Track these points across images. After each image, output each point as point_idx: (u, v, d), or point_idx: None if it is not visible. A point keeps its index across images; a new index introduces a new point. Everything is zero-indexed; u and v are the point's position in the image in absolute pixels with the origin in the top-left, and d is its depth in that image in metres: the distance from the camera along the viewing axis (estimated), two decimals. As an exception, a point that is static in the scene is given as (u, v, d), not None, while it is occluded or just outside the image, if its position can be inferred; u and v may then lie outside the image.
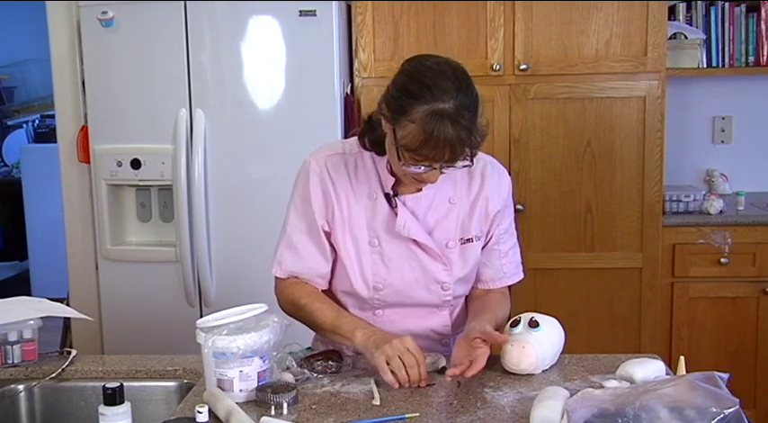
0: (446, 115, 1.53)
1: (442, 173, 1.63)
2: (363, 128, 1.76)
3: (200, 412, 1.40)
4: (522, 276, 1.93)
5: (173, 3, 3.01)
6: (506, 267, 1.89)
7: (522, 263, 1.94)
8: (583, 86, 3.15)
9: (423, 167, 1.60)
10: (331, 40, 2.99)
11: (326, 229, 1.78)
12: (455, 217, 1.79)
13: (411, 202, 1.77)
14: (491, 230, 1.84)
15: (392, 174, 1.74)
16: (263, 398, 1.51)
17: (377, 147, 1.73)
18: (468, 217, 1.80)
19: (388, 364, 1.58)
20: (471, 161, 1.60)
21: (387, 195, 1.76)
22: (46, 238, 5.50)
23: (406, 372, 1.57)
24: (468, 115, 1.55)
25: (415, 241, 1.76)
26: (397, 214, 1.75)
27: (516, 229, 1.93)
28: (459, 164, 1.59)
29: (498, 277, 1.89)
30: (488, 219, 1.83)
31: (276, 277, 1.85)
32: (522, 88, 3.17)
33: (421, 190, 1.76)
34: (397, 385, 1.57)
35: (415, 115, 1.55)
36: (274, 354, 1.61)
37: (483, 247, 1.85)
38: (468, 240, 1.80)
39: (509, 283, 1.91)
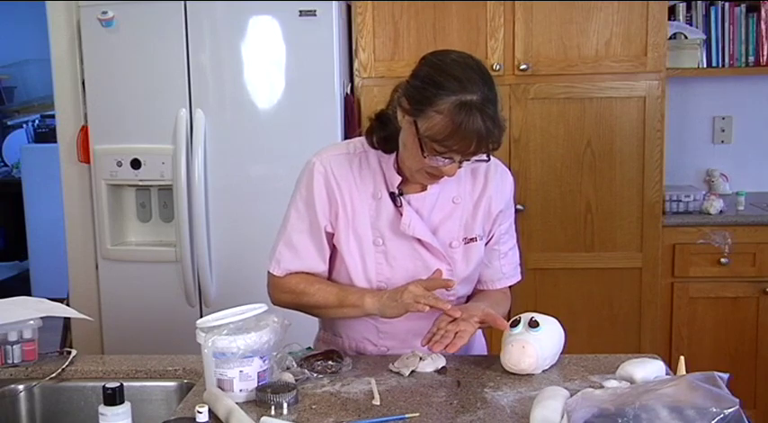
0: (474, 106, 1.54)
1: (459, 167, 1.63)
2: (372, 125, 1.75)
3: (200, 412, 1.40)
4: (520, 278, 1.94)
5: (173, 3, 3.01)
6: (505, 268, 1.89)
7: (521, 264, 1.94)
8: (583, 86, 3.15)
9: (444, 160, 1.60)
10: (331, 40, 2.99)
11: (329, 229, 1.78)
12: (459, 216, 1.79)
13: (415, 202, 1.77)
14: (492, 230, 1.85)
15: (399, 172, 1.74)
16: (263, 398, 1.51)
17: (386, 144, 1.73)
18: (472, 217, 1.80)
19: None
20: (488, 156, 1.61)
21: (392, 194, 1.76)
22: (46, 238, 5.51)
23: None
24: (492, 108, 1.56)
25: (419, 241, 1.76)
26: (401, 213, 1.75)
27: (516, 229, 1.93)
28: (477, 157, 1.60)
29: (497, 278, 1.89)
30: (491, 218, 1.83)
31: (270, 273, 1.84)
32: (522, 88, 3.17)
33: (426, 189, 1.77)
34: (427, 309, 1.64)
35: (442, 106, 1.55)
36: (274, 354, 1.61)
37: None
38: (472, 240, 1.80)
39: (507, 284, 1.92)
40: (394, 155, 1.74)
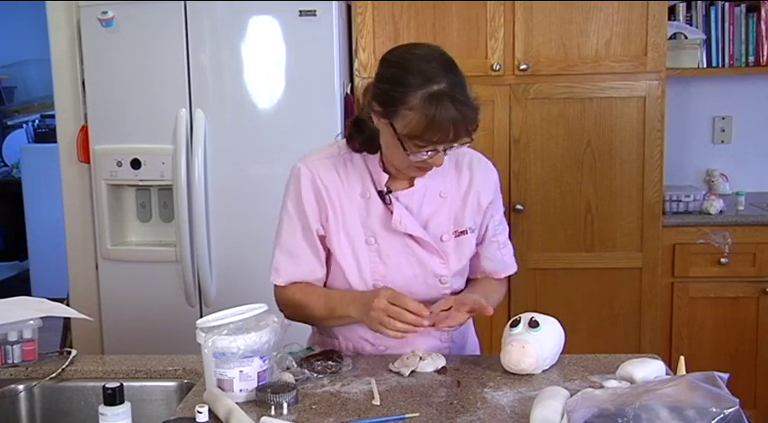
0: (444, 95, 1.56)
1: (445, 154, 1.64)
2: (350, 131, 1.77)
3: (200, 412, 1.40)
4: (516, 268, 1.97)
5: (173, 3, 3.01)
6: (506, 258, 1.92)
7: (515, 255, 1.97)
8: (583, 86, 3.15)
9: (428, 153, 1.61)
10: (331, 40, 2.99)
11: (321, 232, 1.79)
12: (447, 210, 1.81)
13: (404, 198, 1.78)
14: (486, 222, 1.86)
15: (385, 170, 1.75)
16: (263, 398, 1.51)
17: (368, 147, 1.75)
18: (461, 210, 1.82)
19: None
20: (471, 137, 1.62)
21: (380, 193, 1.77)
22: (46, 238, 5.51)
23: (400, 324, 1.62)
24: (461, 92, 1.58)
25: (411, 236, 1.77)
26: (391, 211, 1.75)
27: (516, 229, 1.93)
28: (461, 142, 1.60)
29: (501, 268, 1.92)
30: (481, 210, 1.85)
31: (275, 285, 1.85)
32: (522, 88, 3.17)
33: (413, 184, 1.78)
34: (400, 335, 1.63)
35: (412, 102, 1.56)
36: (274, 354, 1.61)
37: (481, 242, 1.87)
38: (463, 233, 1.82)
39: (509, 273, 1.94)
40: (379, 154, 1.75)
